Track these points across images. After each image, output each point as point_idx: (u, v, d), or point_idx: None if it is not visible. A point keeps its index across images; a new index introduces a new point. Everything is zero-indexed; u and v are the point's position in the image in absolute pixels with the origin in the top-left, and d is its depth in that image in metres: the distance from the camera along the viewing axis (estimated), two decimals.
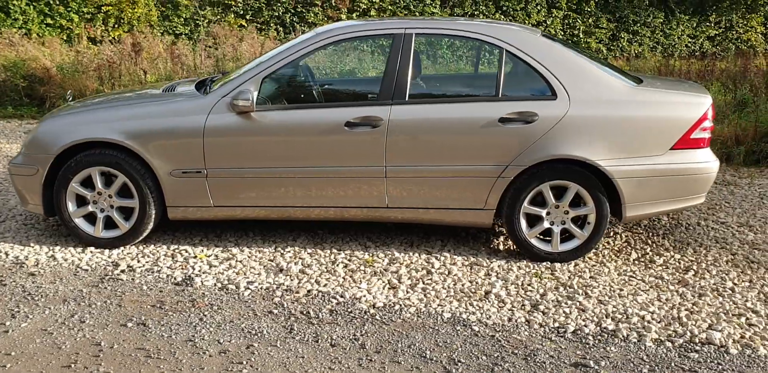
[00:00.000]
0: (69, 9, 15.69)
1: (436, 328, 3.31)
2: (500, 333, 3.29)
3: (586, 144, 3.99)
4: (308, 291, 3.70)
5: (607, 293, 3.76)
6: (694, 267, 4.16)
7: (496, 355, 3.06)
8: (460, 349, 3.11)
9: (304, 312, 3.43)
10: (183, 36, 15.58)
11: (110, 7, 15.72)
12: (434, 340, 3.19)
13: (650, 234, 4.73)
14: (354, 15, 17.18)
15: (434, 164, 4.05)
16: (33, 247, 4.26)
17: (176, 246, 4.31)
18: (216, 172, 4.09)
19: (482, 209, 4.12)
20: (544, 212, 4.13)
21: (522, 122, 3.98)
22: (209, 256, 4.16)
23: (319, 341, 3.13)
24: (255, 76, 4.06)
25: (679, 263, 4.23)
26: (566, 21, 18.42)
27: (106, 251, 4.21)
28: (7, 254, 4.13)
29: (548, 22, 18.15)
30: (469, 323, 3.37)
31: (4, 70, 8.94)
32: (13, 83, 8.80)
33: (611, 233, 4.72)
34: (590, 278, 3.98)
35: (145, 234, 4.23)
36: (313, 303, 3.55)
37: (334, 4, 16.91)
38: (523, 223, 4.14)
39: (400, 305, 3.55)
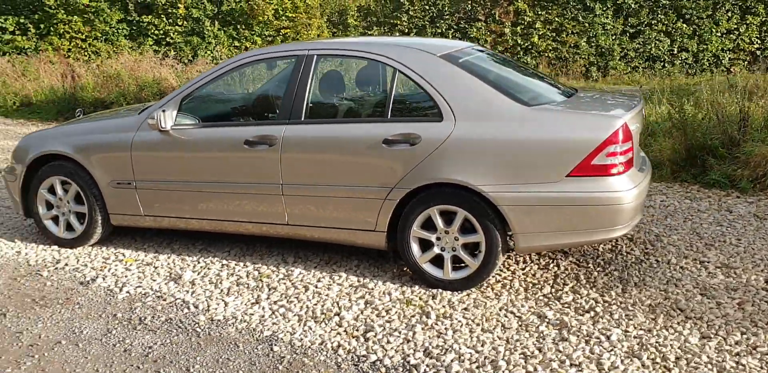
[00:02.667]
0: (253, 32, 17.38)
1: (239, 345, 3.39)
2: (293, 355, 3.28)
3: (471, 168, 3.79)
4: (175, 299, 3.94)
5: (458, 327, 3.54)
6: (599, 309, 3.74)
7: None
8: (231, 366, 3.17)
9: (142, 318, 3.69)
10: None
11: (288, 30, 17.14)
12: (220, 356, 3.27)
13: (596, 268, 4.29)
14: (518, 28, 16.98)
15: (325, 184, 4.08)
16: (13, 243, 4.97)
17: (124, 250, 4.77)
18: (142, 184, 4.50)
19: (373, 231, 4.06)
20: (433, 238, 3.97)
21: (406, 144, 3.88)
22: (136, 260, 4.57)
23: (118, 345, 3.37)
24: (176, 96, 4.41)
25: (588, 303, 3.82)
26: (764, 28, 16.57)
27: (63, 250, 4.79)
28: None
29: (741, 30, 16.47)
30: (276, 343, 3.39)
31: (141, 90, 10.26)
32: (147, 100, 10.08)
33: (550, 264, 4.36)
34: (463, 309, 3.76)
35: (96, 237, 4.76)
36: (161, 311, 3.79)
37: (497, 18, 16.86)
38: (415, 247, 4.02)
39: (237, 320, 3.66)
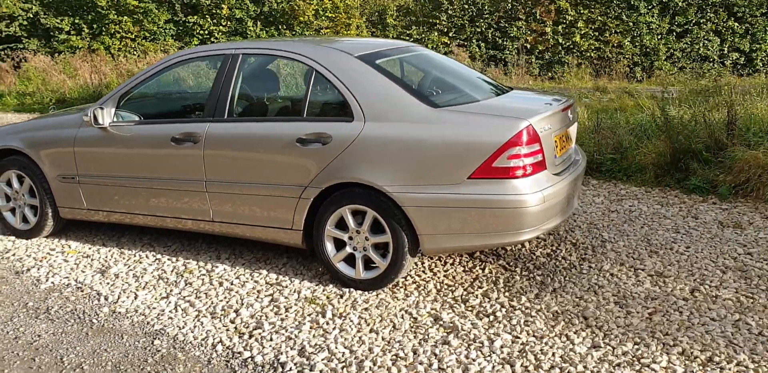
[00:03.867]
0: (294, 33, 17.61)
1: (124, 337, 3.47)
2: (170, 349, 3.34)
3: (377, 168, 3.76)
4: (91, 291, 4.07)
5: (347, 326, 3.53)
6: (500, 313, 3.66)
7: (126, 368, 3.16)
8: (103, 357, 3.25)
9: (49, 307, 3.83)
10: None
11: (328, 30, 17.32)
12: (99, 347, 3.36)
13: (522, 272, 4.19)
14: (560, 27, 16.66)
15: (245, 181, 4.13)
16: None
17: (73, 242, 4.95)
18: (84, 179, 4.65)
19: (290, 229, 4.09)
20: (346, 237, 3.97)
21: (319, 144, 3.89)
22: (78, 252, 4.73)
23: (11, 333, 3.52)
24: (114, 94, 4.54)
25: (492, 307, 3.74)
26: None
27: (19, 241, 5.00)
28: None
29: None
30: (160, 337, 3.46)
31: None
32: None
33: (476, 267, 4.28)
34: (363, 310, 3.74)
35: (48, 229, 4.95)
36: (72, 301, 3.91)
37: (538, 17, 16.59)
38: (329, 246, 4.02)
39: (137, 313, 3.75)
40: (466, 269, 4.28)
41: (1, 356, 3.29)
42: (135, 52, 17.63)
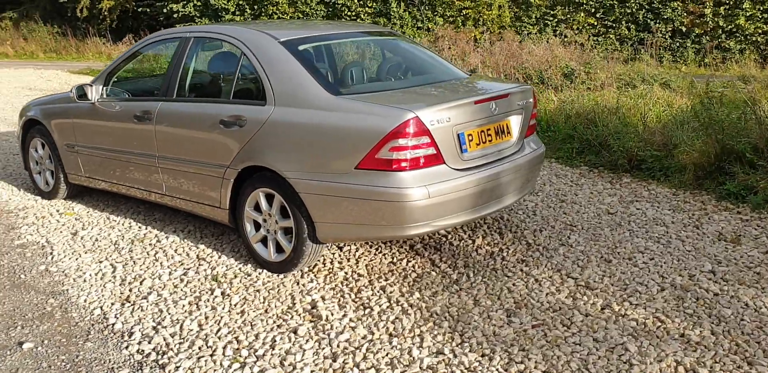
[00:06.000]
0: (435, 13, 17.62)
1: (30, 294, 3.84)
2: (55, 309, 3.65)
3: (279, 153, 3.80)
4: (50, 250, 4.50)
5: (220, 306, 3.64)
6: (378, 308, 3.58)
7: (3, 321, 3.52)
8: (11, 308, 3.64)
9: None
10: (531, 35, 15.87)
11: (469, 10, 17.11)
12: (1, 301, 3.75)
13: (445, 268, 4.04)
14: (721, 9, 15.19)
15: (183, 159, 4.34)
16: (15, 191, 5.92)
17: (81, 205, 5.48)
18: (81, 148, 5.12)
19: (219, 207, 4.25)
20: (261, 219, 4.07)
21: (238, 126, 4.01)
22: (74, 215, 5.24)
23: None
24: (102, 73, 4.94)
25: (374, 301, 3.67)
26: None
27: (41, 200, 5.62)
28: None
29: None
30: (58, 297, 3.78)
31: None
32: None
33: (404, 260, 4.19)
34: (255, 291, 3.82)
35: (63, 192, 5.51)
36: (24, 257, 4.37)
37: None
38: (248, 227, 4.14)
39: (63, 274, 4.11)
40: (395, 260, 4.18)
41: None
42: None
